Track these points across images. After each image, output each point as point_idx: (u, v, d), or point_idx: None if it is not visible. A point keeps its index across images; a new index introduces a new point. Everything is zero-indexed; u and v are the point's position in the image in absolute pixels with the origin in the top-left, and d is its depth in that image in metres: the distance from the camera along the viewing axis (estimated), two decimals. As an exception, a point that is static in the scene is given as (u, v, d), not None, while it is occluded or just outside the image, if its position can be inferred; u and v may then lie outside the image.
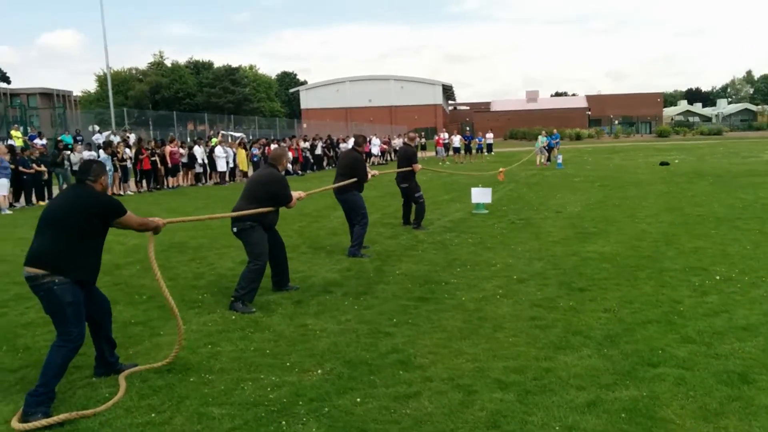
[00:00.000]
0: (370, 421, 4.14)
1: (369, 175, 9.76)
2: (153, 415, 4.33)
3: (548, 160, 31.03)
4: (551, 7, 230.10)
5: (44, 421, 4.15)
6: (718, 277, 7.58)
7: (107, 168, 19.38)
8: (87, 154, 20.13)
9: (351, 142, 30.63)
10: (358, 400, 4.45)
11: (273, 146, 28.46)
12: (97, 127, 37.91)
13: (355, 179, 9.43)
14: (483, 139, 40.47)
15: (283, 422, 4.15)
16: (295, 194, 7.21)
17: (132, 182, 21.91)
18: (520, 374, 4.83)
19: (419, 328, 6.01)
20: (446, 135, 39.24)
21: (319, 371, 5.01)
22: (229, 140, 29.99)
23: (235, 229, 6.94)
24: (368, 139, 34.24)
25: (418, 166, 11.87)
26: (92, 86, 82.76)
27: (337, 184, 9.42)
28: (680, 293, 6.99)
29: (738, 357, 5.05)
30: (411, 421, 4.13)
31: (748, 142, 57.14)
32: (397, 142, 41.92)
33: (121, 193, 20.38)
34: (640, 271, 8.04)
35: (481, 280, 7.83)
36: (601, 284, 7.47)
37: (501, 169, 19.42)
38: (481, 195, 14.06)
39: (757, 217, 12.21)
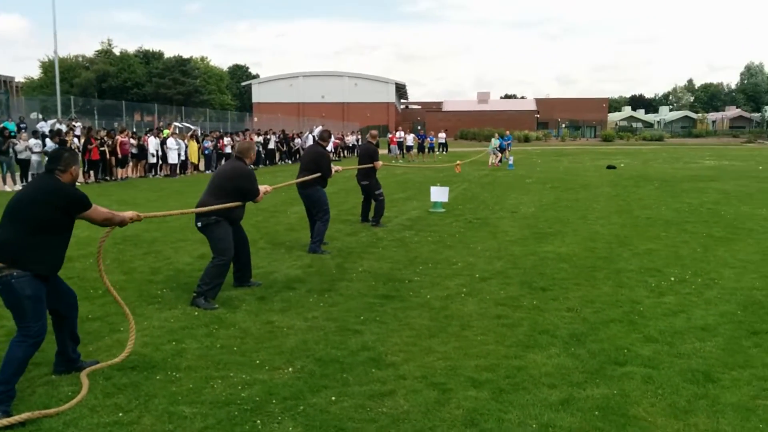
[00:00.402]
0: (346, 419, 4.10)
1: (333, 171, 9.69)
2: (120, 414, 4.18)
3: (500, 161, 31.44)
4: (504, 10, 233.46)
5: (4, 421, 3.96)
6: (672, 279, 7.80)
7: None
8: (33, 143, 19.43)
9: (307, 138, 30.47)
10: (333, 398, 4.40)
11: (226, 140, 28.08)
12: (39, 115, 36.54)
13: (319, 174, 9.35)
14: (435, 139, 40.79)
15: (258, 421, 4.07)
16: (261, 188, 7.11)
17: (80, 172, 21.21)
18: (492, 372, 4.86)
19: (387, 326, 5.99)
20: (401, 133, 39.36)
21: (290, 369, 4.93)
22: (184, 132, 29.39)
23: (199, 224, 6.79)
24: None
25: (379, 163, 11.86)
26: (36, 72, 79.99)
27: (301, 179, 9.31)
28: (638, 294, 7.16)
29: (700, 356, 5.20)
30: (388, 419, 4.10)
31: (688, 148, 59.20)
32: (351, 139, 41.88)
33: (67, 183, 19.70)
34: (598, 272, 8.21)
35: (443, 279, 7.86)
36: (562, 284, 7.60)
37: (458, 162, 19.64)
38: (439, 194, 14.14)
39: (703, 221, 12.62)
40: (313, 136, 31.53)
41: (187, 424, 4.04)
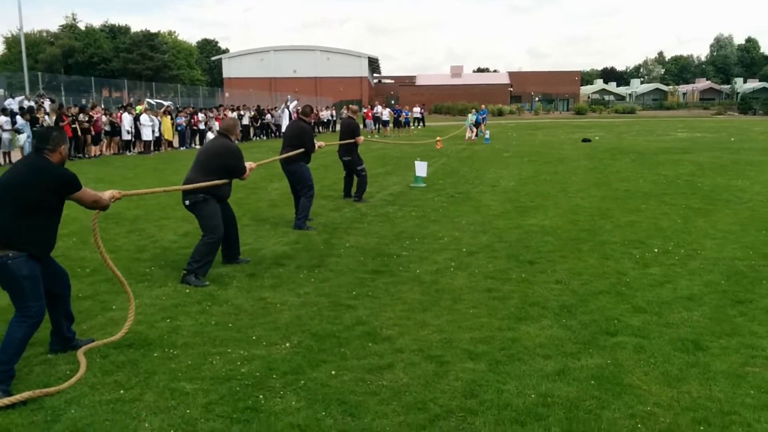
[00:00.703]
0: (348, 393, 4.14)
1: (316, 146, 9.63)
2: (121, 391, 4.17)
3: (476, 135, 31.54)
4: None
5: (5, 400, 3.93)
6: (656, 250, 7.95)
7: (27, 134, 18.44)
8: (3, 120, 18.96)
9: (283, 113, 30.14)
10: (333, 372, 4.44)
11: (200, 115, 27.69)
12: (4, 92, 35.65)
13: (302, 150, 9.30)
14: (410, 113, 40.71)
15: (260, 396, 4.09)
16: (246, 165, 7.05)
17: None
18: (487, 345, 4.93)
19: (380, 301, 6.03)
20: (379, 108, 39.19)
21: (287, 344, 4.95)
22: (156, 108, 28.92)
23: (187, 202, 6.72)
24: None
25: (360, 138, 11.82)
26: (-2, 48, 77.81)
27: (284, 155, 9.25)
28: (624, 265, 7.29)
29: (688, 325, 5.33)
30: (389, 392, 4.15)
31: (660, 121, 59.92)
32: (325, 114, 41.59)
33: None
34: (582, 244, 8.33)
35: (431, 253, 7.91)
36: (548, 257, 7.70)
37: (438, 138, 19.67)
38: (422, 168, 14.24)
39: (681, 192, 12.84)
40: (289, 111, 31.24)
41: (190, 400, 4.05)
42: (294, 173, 9.46)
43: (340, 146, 11.90)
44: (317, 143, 9.76)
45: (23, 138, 18.79)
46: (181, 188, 6.61)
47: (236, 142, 7.29)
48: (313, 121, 10.23)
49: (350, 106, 13.12)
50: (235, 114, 30.84)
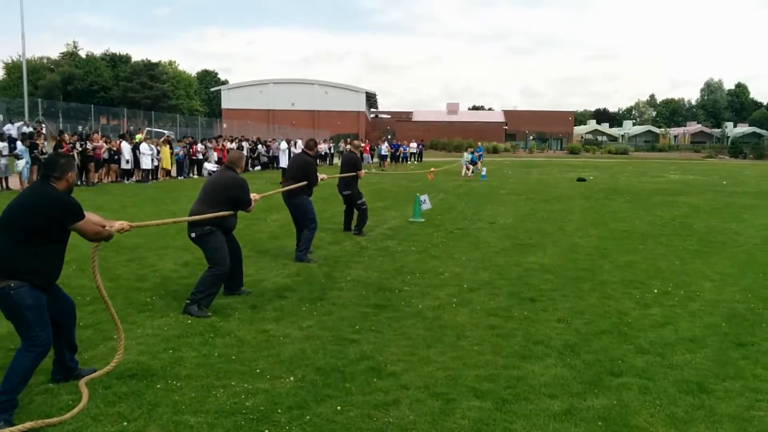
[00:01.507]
0: (354, 429, 4.11)
1: (319, 179, 9.69)
2: (124, 423, 4.13)
3: (472, 172, 31.75)
4: (471, 23, 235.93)
5: (6, 431, 3.88)
6: (655, 291, 7.97)
7: (26, 160, 18.45)
8: (1, 146, 18.98)
9: (280, 144, 30.26)
10: (338, 408, 4.41)
11: (198, 146, 27.81)
12: (1, 117, 35.70)
13: (305, 182, 9.34)
14: (408, 148, 41.04)
15: (266, 431, 4.06)
16: (252, 197, 7.09)
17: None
18: (492, 383, 4.92)
19: (383, 336, 6.01)
20: (385, 145, 39.67)
21: (291, 378, 4.92)
22: (155, 138, 29.03)
23: (193, 235, 6.71)
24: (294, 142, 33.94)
25: (362, 172, 11.92)
26: (-2, 74, 78.25)
27: (287, 188, 9.28)
28: (624, 305, 7.30)
29: (692, 367, 5.33)
30: (396, 429, 4.12)
31: (653, 162, 60.49)
32: (323, 147, 41.80)
33: (37, 187, 19.28)
34: (583, 283, 8.35)
35: (433, 288, 7.92)
36: (549, 295, 7.71)
37: (432, 169, 19.86)
38: (427, 201, 14.49)
39: (677, 234, 12.92)
40: (288, 147, 31.24)
41: (195, 434, 4.01)
42: (297, 206, 9.50)
43: (339, 180, 11.97)
44: (320, 176, 9.82)
45: (22, 164, 18.81)
46: (189, 219, 6.61)
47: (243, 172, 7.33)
48: (314, 154, 10.29)
49: (353, 141, 13.25)
50: (234, 145, 30.99)
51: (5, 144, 19.35)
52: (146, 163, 23.81)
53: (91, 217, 4.69)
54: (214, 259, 6.66)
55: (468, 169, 31.69)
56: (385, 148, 38.13)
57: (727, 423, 4.29)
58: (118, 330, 4.97)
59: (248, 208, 6.94)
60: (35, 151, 18.97)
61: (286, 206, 9.75)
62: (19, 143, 19.17)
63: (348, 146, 12.72)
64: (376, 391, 4.73)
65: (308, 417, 4.26)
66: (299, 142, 34.25)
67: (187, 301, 6.56)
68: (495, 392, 4.73)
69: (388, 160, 37.90)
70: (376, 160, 39.22)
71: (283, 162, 28.58)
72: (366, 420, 4.24)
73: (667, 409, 4.49)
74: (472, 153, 32.74)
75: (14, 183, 19.41)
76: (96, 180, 22.39)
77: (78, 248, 9.28)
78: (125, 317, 6.36)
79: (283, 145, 30.06)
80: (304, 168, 9.54)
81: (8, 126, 26.19)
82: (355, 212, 12.02)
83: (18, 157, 18.98)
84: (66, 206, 4.32)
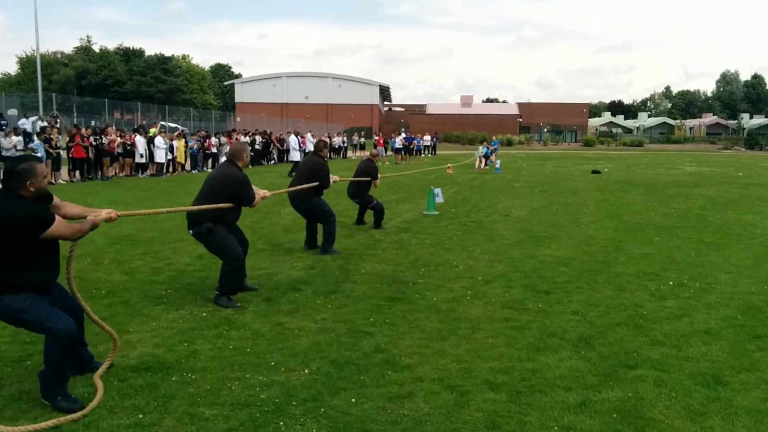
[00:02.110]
0: (369, 421, 4.12)
1: (331, 182, 9.67)
2: (140, 416, 4.16)
3: (485, 165, 31.67)
4: (483, 14, 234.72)
5: (31, 427, 3.91)
6: (671, 283, 7.92)
7: (41, 154, 18.61)
8: (16, 140, 19.15)
9: (291, 140, 30.35)
10: (353, 400, 4.42)
11: (212, 139, 27.92)
12: (15, 111, 35.99)
13: (316, 183, 9.31)
14: (421, 141, 41.00)
15: (281, 423, 4.07)
16: (260, 193, 7.00)
17: (64, 171, 20.94)
18: (507, 375, 4.91)
19: (397, 328, 6.02)
20: (402, 137, 39.78)
21: (306, 371, 4.94)
22: (168, 131, 29.19)
23: (191, 232, 6.72)
24: (301, 136, 33.97)
25: (377, 182, 11.99)
26: (12, 68, 78.98)
27: (298, 187, 9.21)
28: (639, 297, 7.26)
29: (707, 360, 5.29)
30: (411, 422, 4.13)
31: (668, 154, 60.01)
32: (337, 140, 41.86)
33: (53, 182, 19.46)
34: (598, 276, 8.30)
35: (447, 281, 7.91)
36: (564, 287, 7.67)
37: (449, 165, 19.87)
38: (440, 194, 14.58)
39: (692, 226, 12.81)
40: (299, 141, 31.24)
41: (210, 426, 4.03)
42: (310, 210, 9.50)
43: (350, 185, 11.98)
44: (332, 178, 9.77)
45: (38, 158, 18.96)
46: (182, 209, 6.64)
47: (248, 165, 7.26)
48: (326, 155, 10.30)
49: (372, 150, 13.45)
50: (248, 138, 31.06)
51: (20, 138, 19.52)
52: (160, 157, 23.93)
53: (71, 209, 4.59)
54: (223, 258, 6.68)
55: (481, 161, 31.61)
56: (399, 141, 38.07)
57: (743, 415, 4.26)
58: (105, 330, 4.97)
59: (251, 204, 6.83)
60: (48, 145, 19.10)
61: (299, 213, 9.76)
62: (35, 137, 19.32)
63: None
64: (391, 383, 4.73)
65: (323, 409, 4.28)
66: (309, 135, 34.33)
67: (217, 293, 6.68)
68: (509, 384, 4.73)
69: (403, 152, 37.86)
70: (390, 153, 39.19)
71: (294, 155, 28.65)
72: (380, 412, 4.25)
73: (682, 402, 4.46)
74: (487, 147, 32.65)
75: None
76: (111, 174, 22.54)
77: (93, 242, 9.45)
78: (140, 310, 6.42)
79: (293, 139, 30.08)
80: (316, 170, 9.48)
81: (23, 120, 26.43)
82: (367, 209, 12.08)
83: (33, 152, 19.14)
84: (23, 219, 4.05)
